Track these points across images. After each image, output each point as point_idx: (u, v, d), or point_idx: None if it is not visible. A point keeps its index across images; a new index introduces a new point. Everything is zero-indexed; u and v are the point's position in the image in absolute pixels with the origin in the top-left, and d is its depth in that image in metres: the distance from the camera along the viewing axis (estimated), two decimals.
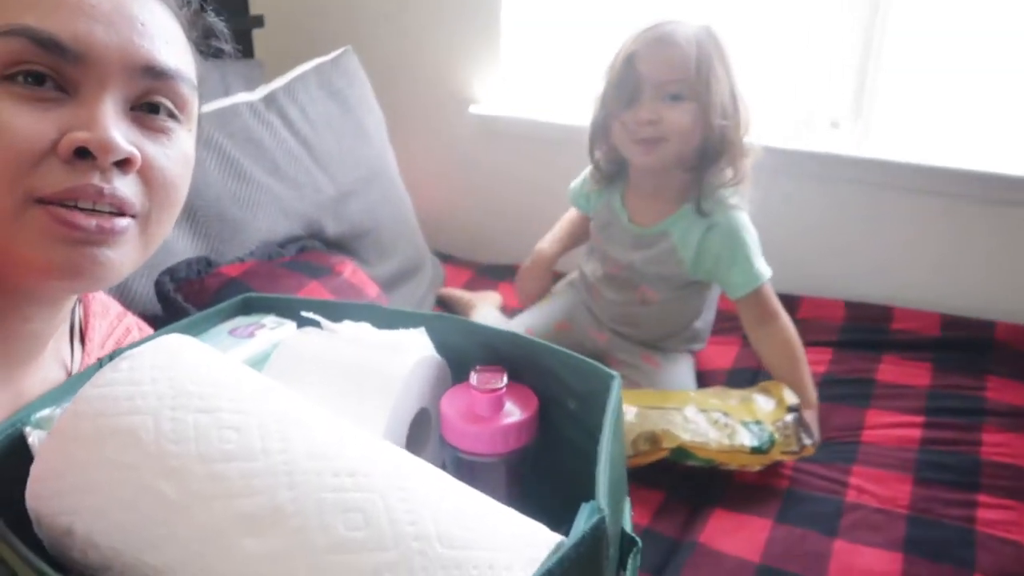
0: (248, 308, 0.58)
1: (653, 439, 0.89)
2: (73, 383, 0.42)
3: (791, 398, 0.97)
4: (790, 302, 1.35)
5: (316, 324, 0.53)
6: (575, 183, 1.17)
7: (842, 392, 1.11)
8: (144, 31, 0.44)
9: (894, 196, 1.33)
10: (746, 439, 0.90)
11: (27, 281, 0.44)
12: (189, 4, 0.51)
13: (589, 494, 0.37)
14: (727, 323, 1.31)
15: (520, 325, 1.17)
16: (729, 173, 0.98)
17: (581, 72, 1.40)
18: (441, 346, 0.53)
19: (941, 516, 0.86)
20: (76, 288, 0.49)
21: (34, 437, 0.41)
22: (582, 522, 0.35)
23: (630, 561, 0.39)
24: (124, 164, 0.43)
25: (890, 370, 1.16)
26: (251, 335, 0.55)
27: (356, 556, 0.32)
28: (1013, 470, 0.92)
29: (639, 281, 1.07)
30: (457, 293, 1.37)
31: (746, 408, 0.95)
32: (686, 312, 1.10)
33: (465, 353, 0.52)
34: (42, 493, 0.37)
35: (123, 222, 0.44)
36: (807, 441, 0.92)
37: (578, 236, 1.20)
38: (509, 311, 1.31)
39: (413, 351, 0.50)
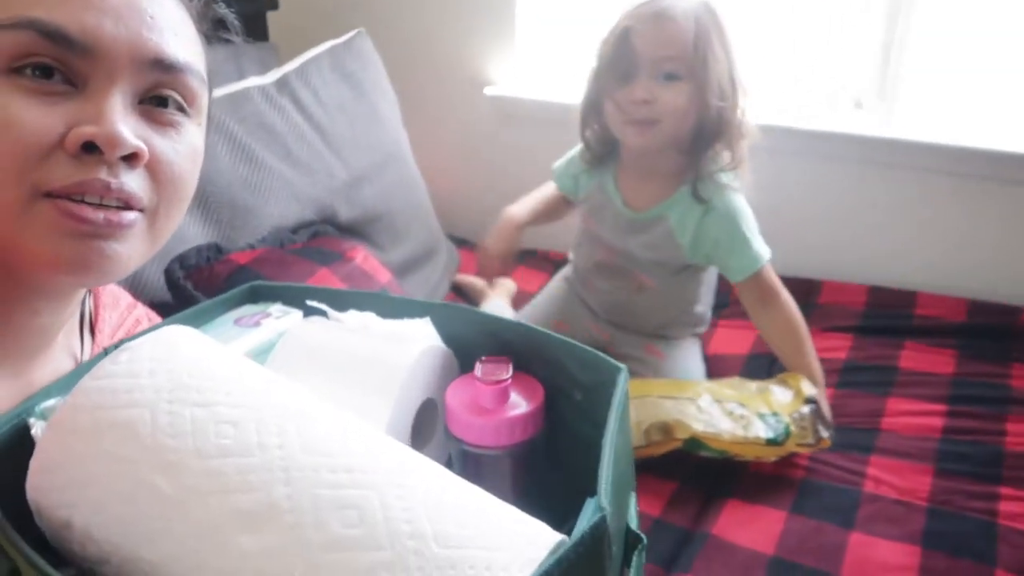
0: (255, 296, 0.58)
1: (666, 429, 0.88)
2: (78, 373, 0.42)
3: (809, 389, 0.95)
4: (810, 287, 1.34)
5: (322, 313, 0.53)
6: (560, 162, 1.13)
7: (862, 379, 1.09)
8: (153, 24, 0.44)
9: (919, 178, 1.30)
10: (761, 431, 0.89)
11: (35, 275, 0.44)
12: None
13: (596, 488, 0.36)
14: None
15: None
16: (726, 156, 0.95)
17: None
18: (447, 335, 0.52)
19: (962, 509, 0.84)
20: (84, 282, 0.49)
21: (37, 428, 0.41)
22: (585, 520, 0.34)
23: (635, 558, 0.39)
24: (132, 158, 0.43)
25: (913, 357, 1.14)
26: (256, 324, 0.54)
27: (351, 554, 0.32)
28: None
29: (633, 268, 1.05)
30: (471, 279, 1.36)
31: (763, 399, 0.93)
32: (684, 297, 1.07)
33: (471, 343, 0.52)
34: (41, 485, 0.37)
35: (131, 216, 0.44)
36: (824, 433, 0.91)
37: (550, 213, 1.16)
38: (524, 297, 1.30)
39: (418, 341, 0.50)
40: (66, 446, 0.37)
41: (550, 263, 1.45)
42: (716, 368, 1.14)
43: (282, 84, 1.17)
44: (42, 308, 0.48)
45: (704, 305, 1.10)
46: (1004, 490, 0.86)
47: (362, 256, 1.06)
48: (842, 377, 1.11)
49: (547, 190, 1.16)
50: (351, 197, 1.18)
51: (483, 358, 0.48)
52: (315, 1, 1.63)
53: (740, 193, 0.98)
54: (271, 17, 1.60)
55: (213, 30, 0.52)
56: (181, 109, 0.46)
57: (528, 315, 1.19)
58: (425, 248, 1.33)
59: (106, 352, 0.41)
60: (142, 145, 0.42)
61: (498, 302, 1.25)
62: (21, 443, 0.39)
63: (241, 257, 0.94)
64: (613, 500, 0.37)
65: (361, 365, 0.48)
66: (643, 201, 1.00)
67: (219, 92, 1.08)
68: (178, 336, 0.42)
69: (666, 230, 0.98)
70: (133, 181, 0.43)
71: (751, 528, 0.82)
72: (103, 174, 0.41)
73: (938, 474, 0.89)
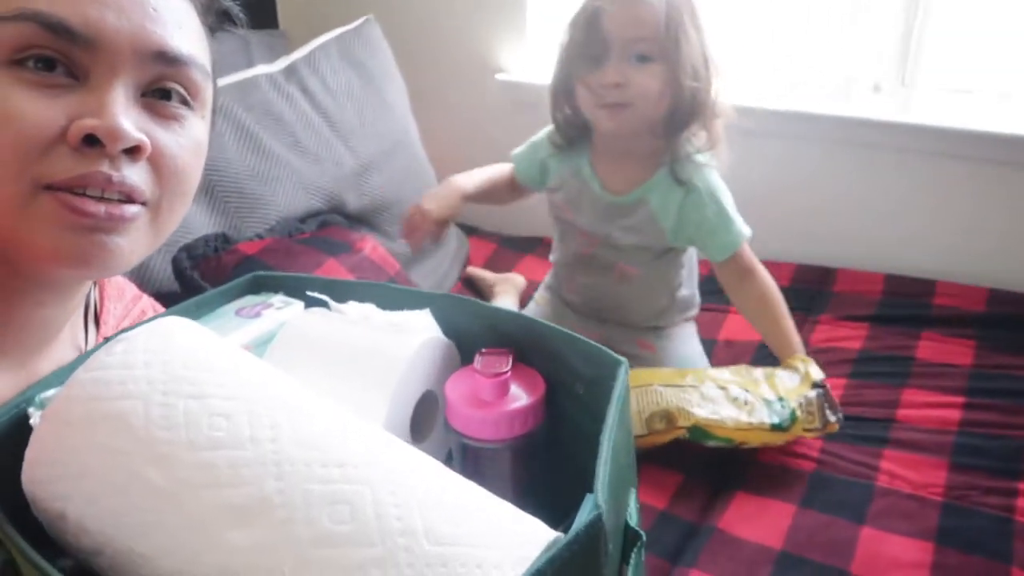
0: (258, 287, 0.58)
1: (668, 417, 0.87)
2: (78, 364, 0.42)
3: (816, 374, 0.94)
4: (825, 275, 1.32)
5: (324, 304, 0.53)
6: (521, 150, 1.10)
7: (878, 369, 1.08)
8: (157, 16, 0.44)
9: (939, 163, 1.27)
10: (765, 416, 0.88)
11: (37, 267, 0.44)
12: None
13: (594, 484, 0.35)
14: None
15: None
16: (702, 136, 0.94)
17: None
18: (449, 327, 0.52)
19: (977, 504, 0.82)
20: (85, 275, 0.49)
21: (36, 418, 0.41)
22: (583, 517, 0.34)
23: (633, 555, 0.38)
24: (134, 152, 0.43)
25: (930, 347, 1.11)
26: (257, 315, 0.54)
27: (341, 551, 0.31)
28: None
29: (614, 258, 1.03)
30: (482, 274, 1.35)
31: (768, 384, 0.92)
32: (668, 282, 1.05)
33: (473, 335, 0.51)
34: (36, 477, 0.37)
35: (132, 209, 0.44)
36: (831, 418, 0.89)
37: (494, 194, 1.12)
38: (533, 288, 1.29)
39: (418, 333, 0.49)
40: (60, 437, 0.37)
41: None
42: (728, 354, 1.13)
43: (290, 72, 1.17)
44: (46, 300, 0.49)
45: (689, 288, 1.09)
46: (1022, 485, 0.84)
47: (371, 246, 1.06)
48: (857, 367, 1.09)
49: (497, 169, 1.12)
50: (359, 186, 1.18)
51: (483, 350, 0.48)
52: None
53: (715, 169, 0.97)
54: (281, 4, 1.59)
55: (218, 22, 0.52)
56: (184, 102, 0.46)
57: None
58: None
59: (106, 343, 0.41)
60: (144, 138, 0.42)
61: (507, 300, 1.24)
62: (21, 433, 0.39)
63: (248, 247, 0.94)
64: (610, 497, 0.37)
65: (360, 356, 0.48)
66: (622, 184, 0.98)
67: (227, 80, 1.08)
68: (174, 327, 0.42)
69: (648, 213, 0.97)
70: (135, 174, 0.43)
71: (759, 522, 0.81)
72: (105, 167, 0.41)
73: (954, 468, 0.87)
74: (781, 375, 0.94)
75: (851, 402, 1.01)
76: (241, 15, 0.55)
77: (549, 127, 1.04)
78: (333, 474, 0.34)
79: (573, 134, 1.00)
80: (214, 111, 0.52)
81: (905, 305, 1.21)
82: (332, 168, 1.15)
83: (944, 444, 0.92)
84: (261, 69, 1.14)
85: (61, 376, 0.42)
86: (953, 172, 1.26)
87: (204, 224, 0.97)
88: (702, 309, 1.12)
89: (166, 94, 0.45)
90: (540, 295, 1.18)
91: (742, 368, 0.97)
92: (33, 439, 0.37)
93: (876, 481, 0.87)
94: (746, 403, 0.89)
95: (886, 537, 0.78)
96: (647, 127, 0.92)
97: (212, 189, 0.99)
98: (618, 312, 1.08)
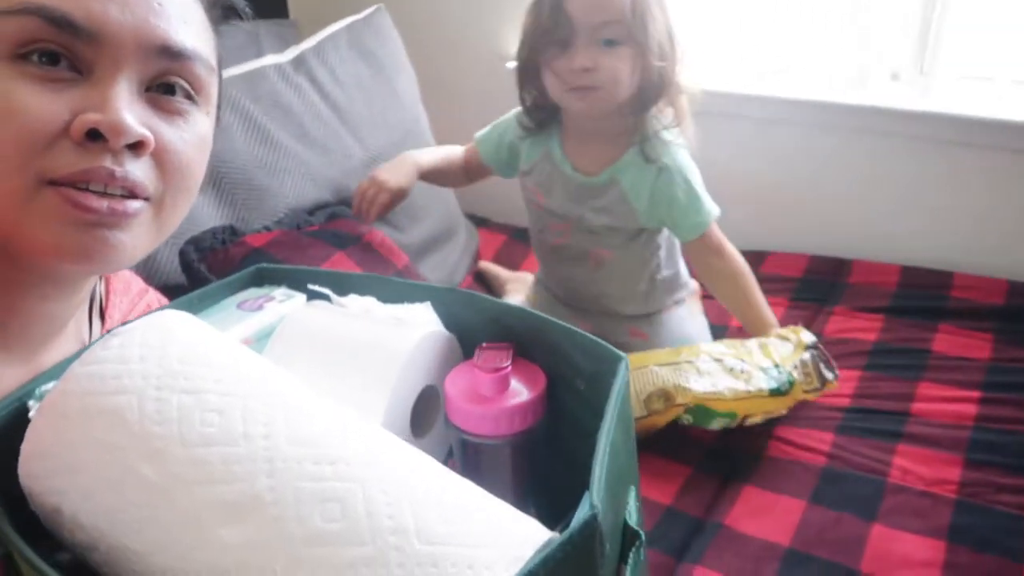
0: (260, 280, 0.58)
1: (665, 395, 0.87)
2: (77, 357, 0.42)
3: (808, 337, 0.94)
4: (840, 266, 1.30)
5: (325, 298, 0.52)
6: (485, 132, 1.09)
7: (893, 362, 1.06)
8: (161, 11, 0.43)
9: (958, 153, 1.24)
10: (763, 382, 0.88)
11: (40, 262, 0.44)
12: None
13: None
14: (773, 284, 1.26)
15: None
16: (669, 113, 0.94)
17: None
18: (451, 321, 0.51)
19: (992, 502, 0.81)
20: (88, 271, 0.49)
21: (35, 411, 0.41)
22: (579, 517, 0.33)
23: (632, 555, 0.38)
24: (137, 147, 0.43)
25: (947, 340, 1.09)
26: (259, 308, 0.54)
27: (331, 549, 0.31)
28: None
29: (588, 244, 1.02)
30: (495, 270, 1.34)
31: (763, 353, 0.92)
32: (645, 264, 1.04)
33: (474, 328, 0.51)
34: (32, 471, 0.37)
35: (135, 205, 0.43)
36: (829, 375, 0.90)
37: (446, 174, 1.11)
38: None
39: (419, 326, 0.49)
40: (55, 432, 0.37)
41: None
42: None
43: (299, 62, 1.16)
44: (50, 294, 0.49)
45: (671, 269, 1.07)
46: None
47: (379, 239, 1.05)
48: (871, 359, 1.07)
49: (452, 150, 1.12)
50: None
51: (483, 344, 0.47)
52: None
53: (685, 148, 0.96)
54: None
55: (224, 16, 0.52)
56: (189, 97, 0.46)
57: None
58: (444, 228, 1.32)
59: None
60: (147, 133, 0.42)
61: (517, 298, 1.23)
62: (23, 426, 0.39)
63: (256, 240, 0.94)
64: (608, 496, 0.36)
65: (360, 350, 0.48)
66: (593, 165, 0.97)
67: (235, 71, 1.08)
68: (171, 321, 0.41)
69: (619, 194, 0.96)
70: (138, 169, 0.43)
71: (767, 517, 0.80)
72: (108, 162, 0.41)
73: (968, 464, 0.86)
74: (775, 343, 0.94)
75: (865, 394, 1.00)
76: (247, 9, 0.55)
77: (516, 110, 1.03)
78: (325, 471, 0.34)
79: (542, 116, 1.00)
80: (219, 105, 0.52)
81: (921, 297, 1.20)
82: (341, 159, 1.15)
83: (959, 440, 0.90)
84: (270, 59, 1.14)
85: (62, 369, 0.42)
86: (971, 161, 1.24)
87: (212, 216, 0.97)
88: (710, 296, 1.11)
89: (170, 89, 0.45)
90: (533, 291, 1.18)
91: (736, 341, 0.97)
92: (29, 432, 0.37)
93: (888, 477, 0.85)
94: (743, 372, 0.89)
95: (897, 535, 0.77)
96: (616, 108, 0.92)
97: (220, 181, 0.99)
98: (600, 301, 1.07)
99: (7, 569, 0.36)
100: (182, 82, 0.45)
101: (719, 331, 1.11)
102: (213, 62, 0.48)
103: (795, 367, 0.90)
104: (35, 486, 0.37)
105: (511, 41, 1.53)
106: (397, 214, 1.22)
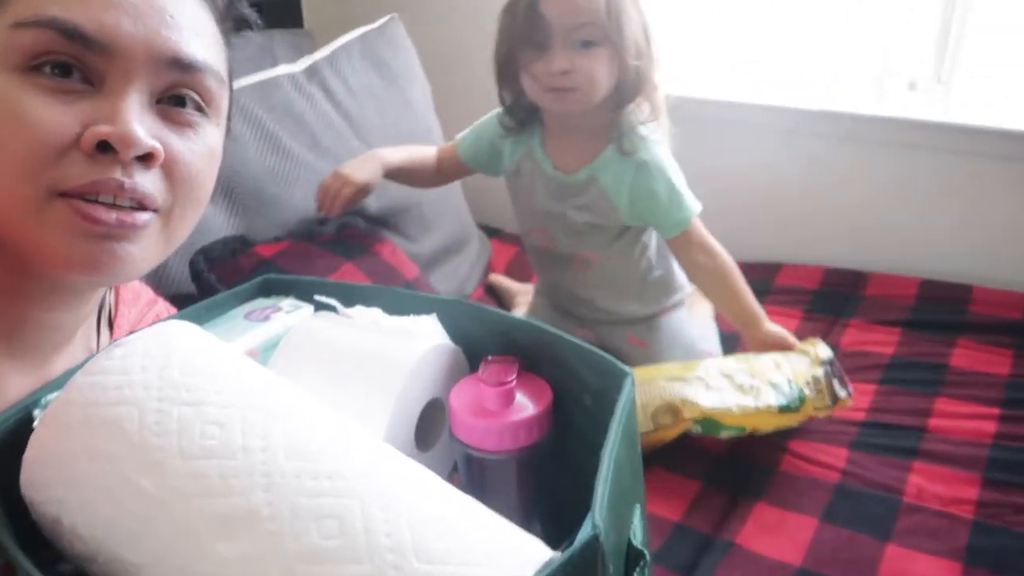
0: (268, 290, 0.58)
1: (673, 410, 0.86)
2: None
3: (825, 352, 0.93)
4: (857, 278, 1.28)
5: (333, 308, 0.52)
6: (465, 133, 1.09)
7: (910, 376, 1.04)
8: (173, 23, 0.44)
9: (977, 164, 1.22)
10: (772, 398, 0.87)
11: (48, 272, 0.45)
12: None
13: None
14: (788, 295, 1.25)
15: None
16: (646, 108, 0.94)
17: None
18: (457, 333, 0.51)
19: (1011, 524, 0.79)
20: (97, 282, 0.49)
21: (39, 420, 0.41)
22: (584, 536, 0.32)
23: (636, 575, 0.37)
24: (147, 158, 0.43)
25: (965, 355, 1.08)
26: (266, 319, 0.54)
27: (328, 567, 0.31)
28: None
29: (573, 247, 1.02)
30: (505, 283, 1.34)
31: (776, 368, 0.91)
32: (633, 265, 1.03)
33: (481, 341, 0.50)
34: (33, 481, 0.37)
35: (144, 216, 0.44)
36: (841, 393, 0.88)
37: (417, 173, 1.10)
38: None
39: (424, 338, 0.48)
40: (57, 442, 0.37)
41: None
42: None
43: (312, 72, 1.17)
44: (59, 304, 0.49)
45: (663, 269, 1.06)
46: None
47: (389, 250, 1.05)
48: (888, 373, 1.06)
49: (422, 150, 1.12)
50: (380, 186, 1.17)
51: (488, 358, 0.47)
52: None
53: (664, 144, 0.96)
54: (306, 3, 1.60)
55: (235, 28, 0.52)
56: (199, 109, 0.46)
57: None
58: (456, 238, 1.32)
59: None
60: (157, 145, 0.43)
61: (526, 310, 1.23)
62: (29, 435, 0.39)
63: (265, 250, 0.94)
64: (611, 515, 0.36)
65: (365, 362, 0.48)
66: (572, 163, 0.97)
67: (249, 80, 1.08)
68: (175, 332, 0.41)
69: (599, 191, 0.96)
70: (148, 181, 0.43)
71: (778, 535, 0.79)
72: (118, 174, 0.42)
73: (987, 484, 0.84)
74: (791, 358, 0.93)
75: (881, 409, 0.98)
76: (258, 20, 0.55)
77: (497, 110, 1.04)
78: (323, 487, 0.33)
79: (522, 115, 1.00)
80: (229, 116, 0.52)
81: (940, 311, 1.18)
82: None
83: (977, 458, 0.88)
84: (283, 69, 1.14)
85: (68, 379, 0.42)
86: (991, 173, 1.22)
87: (223, 226, 0.97)
88: None
89: (181, 101, 0.45)
90: (535, 301, 1.18)
91: (749, 355, 0.95)
92: (31, 442, 0.37)
93: (904, 495, 0.83)
94: (751, 388, 0.88)
95: (912, 556, 0.75)
96: (594, 107, 0.93)
97: (231, 190, 0.99)
98: (595, 304, 1.07)
99: None
100: (193, 94, 0.46)
101: (731, 337, 1.09)
102: (224, 74, 0.48)
103: (808, 383, 0.89)
104: (36, 496, 0.37)
105: None
106: (409, 224, 1.22)
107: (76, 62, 0.41)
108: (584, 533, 0.32)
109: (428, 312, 0.51)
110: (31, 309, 0.48)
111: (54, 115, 0.40)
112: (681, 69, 1.43)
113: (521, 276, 1.37)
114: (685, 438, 0.90)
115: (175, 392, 0.37)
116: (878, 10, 1.27)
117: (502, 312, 0.51)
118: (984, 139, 1.20)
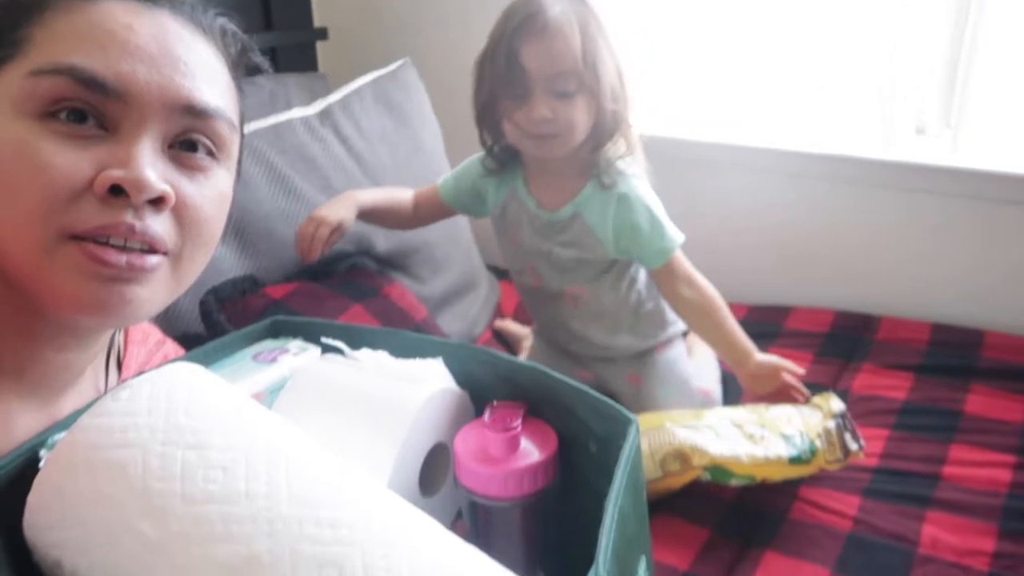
0: (276, 331, 0.58)
1: (682, 457, 0.85)
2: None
3: (837, 406, 0.92)
4: (867, 322, 1.27)
5: (340, 351, 0.52)
6: (448, 177, 1.10)
7: (923, 423, 1.03)
8: (187, 71, 0.45)
9: (986, 208, 1.22)
10: (783, 450, 0.86)
11: (58, 313, 0.45)
12: (236, 42, 0.51)
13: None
14: (798, 339, 1.24)
15: None
16: (622, 144, 0.96)
17: (641, 76, 1.36)
18: (463, 377, 0.51)
19: None
20: (106, 324, 0.50)
21: (44, 461, 0.41)
22: None
23: None
24: (158, 202, 0.44)
25: (980, 401, 1.06)
26: (274, 360, 0.54)
27: None
28: None
29: (561, 283, 1.03)
30: (512, 327, 1.34)
31: (787, 420, 0.90)
32: (622, 299, 1.04)
33: (487, 386, 0.50)
34: (36, 523, 0.37)
35: (154, 259, 0.44)
36: (853, 446, 0.87)
37: (392, 214, 1.10)
38: None
39: (430, 382, 0.48)
40: (60, 484, 0.37)
41: None
42: None
43: (325, 115, 1.19)
44: (68, 344, 0.49)
45: (654, 302, 1.07)
46: None
47: (398, 292, 1.06)
48: (901, 419, 1.04)
49: (398, 192, 1.13)
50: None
51: (493, 403, 0.47)
52: (364, 31, 1.66)
53: (643, 179, 0.98)
54: (321, 47, 1.64)
55: (248, 74, 0.53)
56: (211, 154, 0.48)
57: None
58: (465, 279, 1.32)
59: None
60: (168, 189, 0.43)
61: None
62: (35, 476, 0.39)
63: (275, 291, 0.95)
64: (616, 566, 0.35)
65: (370, 405, 0.48)
66: (555, 200, 0.99)
67: (262, 123, 1.10)
68: (181, 374, 0.42)
69: (583, 227, 0.98)
70: (158, 224, 0.44)
71: None
72: (129, 217, 0.42)
73: (1003, 535, 0.82)
74: (803, 411, 0.93)
75: (894, 455, 0.97)
76: (270, 67, 0.57)
77: (479, 154, 1.06)
78: (325, 535, 0.33)
79: (503, 158, 1.03)
80: (240, 161, 0.53)
81: (952, 355, 1.16)
82: None
83: (993, 507, 0.86)
84: (296, 112, 1.16)
85: (75, 419, 0.42)
86: (1000, 217, 1.22)
87: (233, 266, 0.98)
88: None
89: (192, 146, 0.46)
90: (535, 343, 1.19)
91: (760, 407, 0.95)
92: (35, 484, 0.37)
93: (917, 547, 0.81)
94: (762, 438, 0.87)
95: None
96: (574, 150, 0.95)
97: (242, 231, 1.00)
98: (587, 342, 1.07)
99: None
100: (204, 139, 0.47)
101: (734, 380, 1.08)
102: (235, 119, 0.49)
103: (819, 436, 0.88)
104: (37, 538, 0.37)
105: None
106: (418, 265, 1.23)
107: (91, 109, 0.42)
108: None
109: (434, 355, 0.51)
110: (41, 349, 0.48)
111: (68, 160, 0.41)
112: (690, 114, 1.45)
113: (529, 319, 1.37)
114: (694, 484, 0.88)
115: (180, 435, 0.37)
116: (883, 53, 1.29)
117: (507, 356, 0.51)
118: (993, 183, 1.20)
